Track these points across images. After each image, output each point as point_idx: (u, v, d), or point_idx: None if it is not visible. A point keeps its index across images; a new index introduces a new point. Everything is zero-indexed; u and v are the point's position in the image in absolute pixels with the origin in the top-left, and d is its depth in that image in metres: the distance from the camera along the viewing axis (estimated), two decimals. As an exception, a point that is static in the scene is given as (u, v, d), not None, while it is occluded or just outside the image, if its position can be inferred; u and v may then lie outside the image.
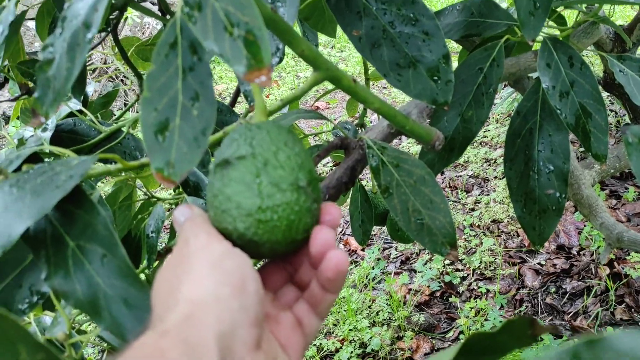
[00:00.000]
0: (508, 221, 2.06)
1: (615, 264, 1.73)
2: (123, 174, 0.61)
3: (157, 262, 0.67)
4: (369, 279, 1.96)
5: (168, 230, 2.08)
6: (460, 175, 2.43)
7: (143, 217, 0.76)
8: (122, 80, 3.09)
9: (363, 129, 1.16)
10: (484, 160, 2.51)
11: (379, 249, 2.11)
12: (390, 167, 0.51)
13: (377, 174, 0.51)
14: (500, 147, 2.55)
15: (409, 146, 2.65)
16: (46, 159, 0.72)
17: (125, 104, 3.35)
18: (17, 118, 1.15)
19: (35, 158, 0.49)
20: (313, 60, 0.45)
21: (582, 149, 2.18)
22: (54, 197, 0.32)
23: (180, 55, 0.32)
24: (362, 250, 2.13)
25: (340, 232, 2.28)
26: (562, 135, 0.61)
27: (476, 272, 1.88)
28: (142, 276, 0.64)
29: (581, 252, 1.84)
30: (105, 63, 3.00)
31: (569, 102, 0.58)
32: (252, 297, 0.30)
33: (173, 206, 0.78)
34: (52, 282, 0.34)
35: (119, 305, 0.33)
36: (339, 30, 0.79)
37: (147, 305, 0.32)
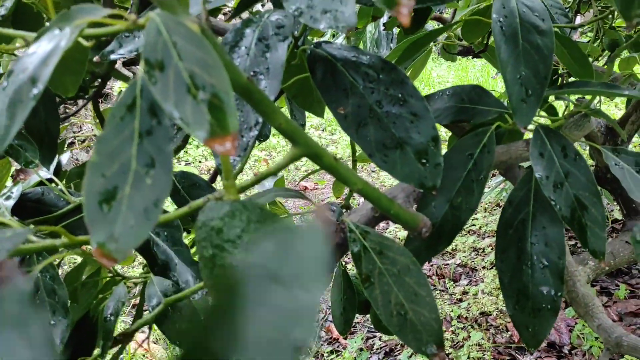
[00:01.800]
0: (497, 314, 1.99)
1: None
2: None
3: (114, 349, 0.60)
4: (351, 371, 1.85)
5: (131, 312, 1.97)
6: (448, 264, 2.38)
7: (105, 296, 0.70)
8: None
9: (349, 211, 1.12)
10: (472, 249, 2.46)
11: (362, 338, 2.01)
12: (373, 254, 0.47)
13: (358, 261, 0.47)
14: (488, 236, 2.51)
15: (396, 231, 2.61)
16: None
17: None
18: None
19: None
20: (291, 134, 0.41)
21: (571, 243, 2.15)
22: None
23: (137, 117, 0.29)
24: (345, 339, 2.03)
25: (322, 318, 2.18)
26: (556, 228, 0.57)
27: (463, 367, 1.78)
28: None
29: (573, 352, 1.76)
30: (80, 128, 2.99)
31: (564, 193, 0.55)
32: None
33: (137, 286, 0.72)
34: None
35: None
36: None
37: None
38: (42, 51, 0.29)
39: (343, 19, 0.42)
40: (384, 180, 3.35)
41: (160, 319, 0.60)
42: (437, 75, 5.58)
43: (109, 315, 0.59)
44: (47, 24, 0.70)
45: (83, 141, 2.91)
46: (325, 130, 4.46)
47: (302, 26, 0.59)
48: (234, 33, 0.51)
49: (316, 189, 3.51)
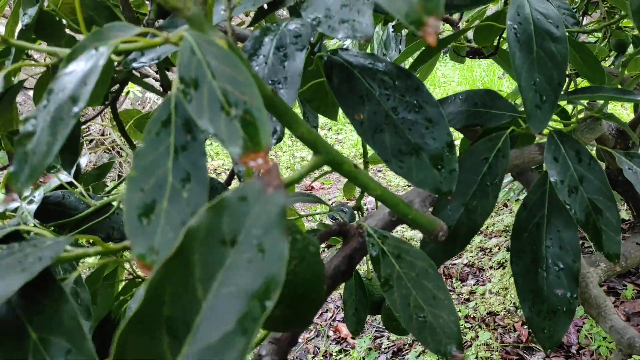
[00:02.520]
0: (504, 314, 1.99)
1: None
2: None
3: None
4: (359, 370, 1.86)
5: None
6: (455, 264, 2.38)
7: (126, 298, 0.71)
8: (118, 152, 3.09)
9: (360, 212, 1.13)
10: (479, 249, 2.47)
11: (370, 338, 2.02)
12: (391, 258, 0.48)
13: (377, 265, 0.48)
14: (495, 236, 2.52)
15: (403, 231, 2.62)
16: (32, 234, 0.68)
17: (119, 175, 3.33)
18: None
19: (15, 237, 0.46)
20: (313, 143, 0.42)
21: (582, 244, 2.15)
22: (18, 281, 0.29)
23: (173, 133, 0.30)
24: (353, 338, 2.04)
25: (330, 317, 2.19)
26: (571, 232, 0.58)
27: (472, 367, 1.79)
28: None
29: (581, 351, 1.77)
30: (103, 134, 3.01)
31: (578, 198, 0.56)
32: None
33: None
34: (8, 379, 0.30)
35: (79, 410, 0.28)
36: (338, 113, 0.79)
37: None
38: (80, 70, 0.30)
39: (360, 29, 0.43)
40: (390, 180, 3.35)
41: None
42: (443, 74, 5.58)
43: (130, 318, 0.60)
44: (67, 30, 0.71)
45: (90, 141, 2.93)
46: (331, 129, 4.47)
47: (318, 33, 0.60)
48: (252, 41, 0.52)
49: (322, 188, 3.52)
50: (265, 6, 0.59)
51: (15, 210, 0.84)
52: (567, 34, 0.58)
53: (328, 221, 1.23)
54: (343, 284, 1.00)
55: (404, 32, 1.45)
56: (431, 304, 0.46)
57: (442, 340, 0.46)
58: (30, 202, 0.74)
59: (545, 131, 0.61)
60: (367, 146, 0.84)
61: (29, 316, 0.31)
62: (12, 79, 0.69)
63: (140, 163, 0.29)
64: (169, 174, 0.29)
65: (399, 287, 0.47)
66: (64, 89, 0.30)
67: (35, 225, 0.69)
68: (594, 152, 2.13)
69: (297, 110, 1.17)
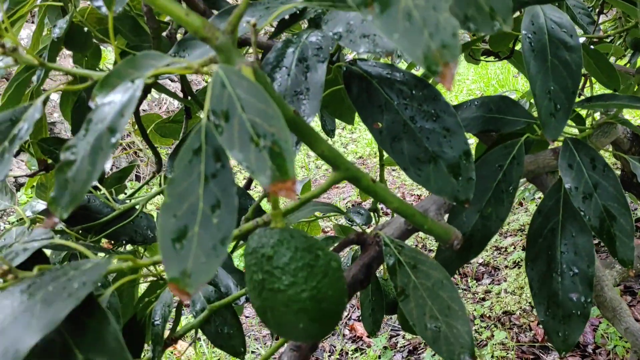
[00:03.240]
0: (520, 314, 2.00)
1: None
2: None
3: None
4: (375, 369, 1.88)
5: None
6: (470, 263, 2.39)
7: (150, 299, 0.73)
8: (135, 153, 3.13)
9: (376, 214, 1.14)
10: (495, 249, 2.47)
11: (386, 337, 2.04)
12: (407, 268, 0.49)
13: (393, 275, 0.49)
14: (510, 235, 2.52)
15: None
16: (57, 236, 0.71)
17: (136, 176, 3.38)
18: (31, 187, 1.15)
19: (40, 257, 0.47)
20: (333, 160, 0.44)
21: (597, 243, 2.15)
22: (66, 308, 0.30)
23: (203, 161, 0.31)
24: (368, 337, 2.06)
25: (346, 316, 2.21)
26: (585, 238, 0.59)
27: (487, 366, 1.80)
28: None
29: (597, 351, 1.77)
30: (122, 138, 3.05)
31: (593, 204, 0.57)
32: None
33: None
34: (58, 399, 0.32)
35: None
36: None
37: None
38: (118, 102, 0.32)
39: (382, 44, 0.45)
40: (404, 179, 3.36)
41: (204, 324, 0.63)
42: (457, 72, 5.54)
43: (157, 319, 0.62)
44: (95, 41, 0.73)
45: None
46: (345, 129, 4.48)
47: (333, 46, 0.62)
48: (275, 53, 0.53)
49: (337, 187, 3.53)
50: (287, 17, 0.60)
51: (44, 212, 0.87)
52: (581, 42, 0.59)
53: (343, 221, 1.24)
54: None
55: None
56: (446, 314, 0.47)
57: (456, 350, 0.47)
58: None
59: (560, 137, 0.62)
60: (383, 150, 0.86)
61: (74, 338, 0.33)
62: (41, 89, 0.72)
63: (174, 190, 0.30)
64: (200, 200, 0.30)
65: (414, 297, 0.48)
66: (102, 120, 0.32)
67: (63, 231, 0.72)
68: (608, 156, 2.12)
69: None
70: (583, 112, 0.79)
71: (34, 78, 0.63)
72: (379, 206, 1.11)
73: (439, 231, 0.53)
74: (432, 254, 0.67)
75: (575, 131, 0.71)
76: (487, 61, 1.14)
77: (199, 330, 0.68)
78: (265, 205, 0.50)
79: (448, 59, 0.25)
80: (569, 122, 0.76)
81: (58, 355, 0.32)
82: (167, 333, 0.65)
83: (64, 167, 0.32)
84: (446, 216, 0.62)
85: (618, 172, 1.32)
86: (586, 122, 0.77)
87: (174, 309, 0.66)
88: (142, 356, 0.64)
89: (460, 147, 0.53)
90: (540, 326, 1.90)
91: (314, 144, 0.40)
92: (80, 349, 0.32)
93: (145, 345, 0.69)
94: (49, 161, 0.81)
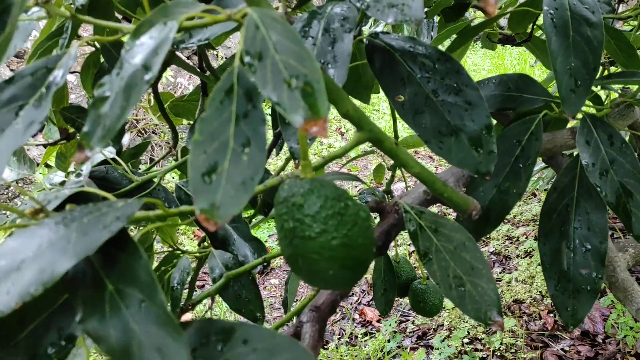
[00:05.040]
0: (530, 302, 2.00)
1: (643, 355, 1.65)
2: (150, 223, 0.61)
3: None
4: (384, 353, 1.90)
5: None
6: (482, 252, 2.39)
7: (166, 269, 0.75)
8: (154, 132, 3.15)
9: (390, 196, 1.15)
10: (506, 238, 2.47)
11: (395, 322, 2.05)
12: (429, 232, 0.50)
13: (415, 239, 0.50)
14: (523, 225, 2.52)
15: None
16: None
17: (150, 158, 3.40)
18: (45, 165, 1.17)
19: (75, 199, 0.49)
20: (357, 120, 0.45)
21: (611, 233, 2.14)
22: (101, 237, 0.32)
23: (235, 101, 0.33)
24: (378, 321, 2.07)
25: (356, 301, 2.23)
26: (600, 214, 0.60)
27: (496, 353, 1.81)
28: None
29: (607, 340, 1.77)
30: (136, 116, 3.08)
31: (609, 180, 0.58)
32: None
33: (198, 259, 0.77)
34: (87, 326, 0.33)
35: (153, 354, 0.32)
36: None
37: (183, 357, 0.31)
38: (152, 42, 0.33)
39: (410, 13, 0.45)
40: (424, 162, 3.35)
41: (222, 290, 0.65)
42: (473, 62, 5.52)
43: (175, 285, 0.64)
44: (117, 15, 0.74)
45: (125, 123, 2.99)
46: (366, 109, 4.47)
47: (357, 17, 0.62)
48: (301, 24, 0.54)
49: (350, 173, 3.53)
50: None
51: (63, 184, 0.89)
52: (602, 19, 0.59)
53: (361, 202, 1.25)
54: (372, 266, 1.03)
55: (436, 18, 1.45)
56: (470, 273, 0.48)
57: (482, 308, 0.48)
58: (78, 175, 0.78)
59: (579, 116, 0.63)
60: (399, 130, 0.86)
61: (105, 269, 0.34)
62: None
63: (205, 128, 0.32)
64: (231, 138, 0.32)
65: (437, 260, 0.49)
66: (137, 58, 0.33)
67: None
68: (627, 138, 2.11)
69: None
70: (602, 95, 0.80)
71: (61, 42, 0.63)
72: (393, 189, 1.11)
73: (458, 200, 0.54)
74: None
75: (593, 111, 0.71)
76: (504, 45, 1.14)
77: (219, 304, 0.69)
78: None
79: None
80: (587, 102, 0.76)
81: (88, 283, 0.33)
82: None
83: (98, 102, 0.34)
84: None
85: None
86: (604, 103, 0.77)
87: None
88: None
89: (481, 120, 0.53)
90: (551, 315, 1.91)
91: (340, 102, 0.41)
92: (110, 279, 0.33)
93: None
94: (71, 130, 0.82)
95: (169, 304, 0.63)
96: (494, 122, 0.96)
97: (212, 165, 0.31)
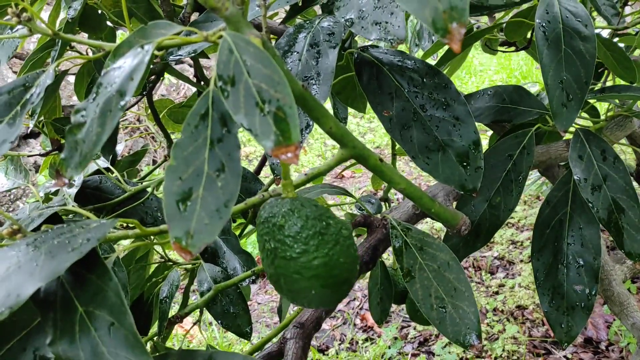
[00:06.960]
0: (533, 308, 1.99)
1: (646, 363, 1.63)
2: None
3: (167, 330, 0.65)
4: (385, 359, 1.89)
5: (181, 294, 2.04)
6: (485, 256, 2.38)
7: (157, 280, 0.75)
8: (152, 138, 3.16)
9: (387, 203, 1.15)
10: (510, 242, 2.45)
11: (396, 328, 2.04)
12: (414, 250, 0.50)
13: (399, 256, 0.50)
14: (527, 229, 2.50)
15: (433, 223, 2.62)
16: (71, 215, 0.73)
17: (153, 161, 3.41)
18: (47, 169, 1.17)
19: (56, 218, 0.49)
20: (340, 137, 0.44)
21: (612, 239, 2.12)
22: (68, 260, 0.32)
23: (209, 126, 0.32)
24: (380, 327, 2.06)
25: (358, 306, 2.22)
26: (593, 229, 0.59)
27: (497, 360, 1.80)
28: (149, 345, 0.62)
29: (610, 348, 1.75)
30: (139, 120, 3.09)
31: (601, 196, 0.57)
32: None
33: (188, 271, 0.77)
34: (57, 348, 0.33)
35: (121, 378, 0.31)
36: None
37: (150, 381, 0.31)
38: (128, 66, 0.33)
39: (393, 32, 0.45)
40: (421, 171, 3.34)
41: (210, 303, 0.64)
42: (480, 63, 5.49)
43: (164, 298, 0.64)
44: (109, 23, 0.74)
45: (126, 127, 2.99)
46: (364, 118, 4.46)
47: (345, 32, 0.62)
48: (286, 38, 0.54)
49: (353, 177, 3.53)
50: (300, 3, 0.61)
51: (56, 193, 0.89)
52: (597, 29, 0.58)
53: (355, 211, 1.25)
54: (369, 274, 1.02)
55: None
56: (452, 295, 0.48)
57: (462, 331, 0.48)
58: (71, 185, 0.78)
59: (572, 129, 0.62)
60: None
61: (75, 290, 0.34)
62: (57, 69, 0.73)
63: (180, 153, 0.31)
64: (206, 163, 0.31)
65: (420, 278, 0.48)
66: (112, 83, 0.33)
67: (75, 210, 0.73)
68: (622, 150, 2.08)
69: (327, 102, 1.19)
70: (599, 106, 0.78)
71: (52, 54, 0.64)
72: (394, 195, 1.11)
73: (447, 216, 0.53)
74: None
75: (589, 123, 0.70)
76: (505, 52, 1.13)
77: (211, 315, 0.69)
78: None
79: (456, 20, 0.25)
80: (583, 114, 0.75)
81: (58, 305, 0.33)
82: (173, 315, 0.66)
83: (74, 129, 0.33)
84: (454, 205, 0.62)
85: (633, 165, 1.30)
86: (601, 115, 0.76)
87: (182, 290, 0.67)
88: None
89: (469, 136, 0.53)
90: (553, 321, 1.89)
91: (322, 120, 0.40)
92: (80, 301, 0.33)
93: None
94: (62, 141, 0.82)
95: (157, 317, 0.63)
96: (491, 132, 0.95)
97: (186, 192, 0.31)
